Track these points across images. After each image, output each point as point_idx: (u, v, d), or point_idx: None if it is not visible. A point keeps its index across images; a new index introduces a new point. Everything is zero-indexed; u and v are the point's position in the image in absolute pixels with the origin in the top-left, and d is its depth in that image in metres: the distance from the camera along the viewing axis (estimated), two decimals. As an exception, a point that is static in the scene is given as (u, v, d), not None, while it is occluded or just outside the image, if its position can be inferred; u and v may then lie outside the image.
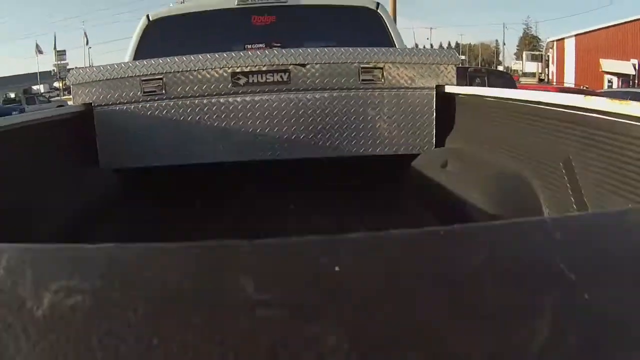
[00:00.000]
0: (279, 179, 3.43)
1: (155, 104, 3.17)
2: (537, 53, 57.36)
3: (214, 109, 3.16)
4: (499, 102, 2.59)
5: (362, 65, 3.12)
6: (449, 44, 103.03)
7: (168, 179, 3.40)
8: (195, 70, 3.11)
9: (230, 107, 3.16)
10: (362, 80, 3.15)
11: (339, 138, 3.20)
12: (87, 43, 46.61)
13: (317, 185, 3.37)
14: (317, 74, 3.14)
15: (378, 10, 4.02)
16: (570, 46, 36.10)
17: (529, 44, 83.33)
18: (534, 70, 49.30)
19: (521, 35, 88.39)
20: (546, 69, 49.43)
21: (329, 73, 3.14)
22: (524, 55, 60.11)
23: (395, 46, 3.84)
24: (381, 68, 3.12)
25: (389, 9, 19.22)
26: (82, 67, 3.74)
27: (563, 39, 36.45)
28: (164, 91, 3.14)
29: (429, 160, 2.99)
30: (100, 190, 2.91)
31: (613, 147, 1.61)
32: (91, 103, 3.16)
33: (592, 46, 33.24)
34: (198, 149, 3.20)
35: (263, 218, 2.76)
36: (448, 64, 3.17)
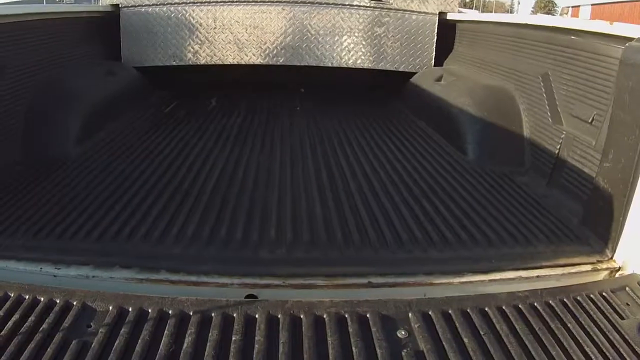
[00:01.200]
0: (289, 83, 3.78)
1: (179, 8, 3.43)
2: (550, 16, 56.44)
3: (233, 14, 3.44)
4: (490, 26, 2.90)
5: None
6: None
7: (185, 78, 3.72)
8: None
9: (249, 13, 3.44)
10: (371, 0, 3.42)
11: (345, 50, 3.51)
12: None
13: (323, 91, 3.74)
14: None
15: None
16: (585, 14, 35.52)
17: (545, 7, 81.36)
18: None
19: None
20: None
21: None
22: (537, 16, 58.95)
23: None
24: None
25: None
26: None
27: (579, 6, 35.87)
28: None
29: (425, 76, 3.30)
30: (123, 83, 3.19)
31: (584, 62, 1.93)
32: (118, 4, 3.44)
33: (607, 18, 32.87)
34: (215, 52, 3.49)
35: (270, 120, 3.07)
36: None
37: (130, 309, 1.16)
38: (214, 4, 3.42)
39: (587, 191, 1.73)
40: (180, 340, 1.07)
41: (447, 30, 3.47)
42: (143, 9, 3.44)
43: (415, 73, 3.47)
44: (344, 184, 2.02)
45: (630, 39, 1.57)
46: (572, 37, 2.03)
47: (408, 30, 3.48)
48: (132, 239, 1.53)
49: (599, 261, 1.50)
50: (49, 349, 1.03)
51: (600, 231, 1.58)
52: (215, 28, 3.44)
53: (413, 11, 3.46)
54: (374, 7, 3.44)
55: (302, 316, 1.15)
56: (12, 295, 1.19)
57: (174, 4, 3.42)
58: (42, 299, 1.18)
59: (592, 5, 33.71)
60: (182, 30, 3.47)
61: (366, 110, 3.31)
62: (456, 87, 2.80)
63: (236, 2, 3.40)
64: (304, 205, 1.81)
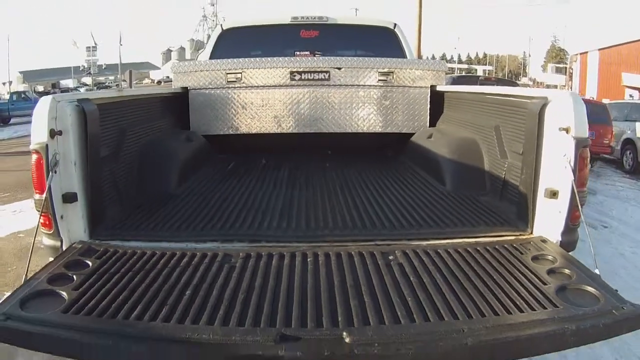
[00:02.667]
0: (319, 146, 4.89)
1: (235, 90, 4.61)
2: (561, 65, 57.98)
3: (276, 95, 4.60)
4: (465, 94, 4.00)
5: (379, 70, 4.55)
6: (477, 54, 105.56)
7: (240, 143, 4.85)
8: (265, 68, 4.54)
9: (288, 95, 4.60)
10: (379, 80, 4.57)
11: (361, 119, 4.64)
12: (120, 41, 48.15)
13: (345, 150, 4.83)
14: (348, 75, 4.57)
15: (395, 30, 5.40)
16: (593, 59, 36.38)
17: (556, 56, 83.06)
18: (557, 83, 50.02)
19: (548, 47, 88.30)
20: (570, 82, 49.89)
21: (356, 74, 4.57)
22: (548, 68, 60.96)
23: (405, 56, 5.21)
24: (392, 72, 4.55)
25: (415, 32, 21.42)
26: (182, 61, 5.16)
27: (586, 52, 36.96)
28: (242, 81, 4.57)
29: (421, 135, 4.38)
30: (197, 146, 4.32)
31: (516, 115, 2.93)
32: (187, 87, 4.64)
33: (615, 60, 33.53)
34: (263, 124, 4.63)
35: (308, 171, 4.14)
36: (439, 71, 4.61)
37: (251, 254, 2.25)
38: (261, 87, 4.57)
39: (517, 197, 2.73)
40: (281, 263, 2.19)
41: (437, 98, 4.56)
42: (207, 91, 4.61)
43: (414, 133, 4.54)
44: (361, 203, 3.11)
45: (532, 97, 2.61)
46: (509, 98, 3.09)
47: (408, 101, 4.59)
48: (240, 229, 2.65)
49: (521, 234, 2.51)
50: (212, 269, 2.12)
51: (523, 218, 2.58)
52: (262, 106, 4.59)
53: (411, 86, 4.59)
54: (381, 85, 4.57)
55: (341, 253, 2.26)
56: (177, 254, 2.30)
57: (230, 88, 4.59)
58: (197, 254, 2.27)
59: (599, 50, 34.63)
60: (236, 107, 4.60)
61: (378, 164, 4.38)
62: (440, 141, 3.85)
63: (278, 86, 4.56)
64: (338, 213, 2.94)
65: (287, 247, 2.39)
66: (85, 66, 46.72)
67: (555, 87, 47.10)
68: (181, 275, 2.09)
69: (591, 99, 17.23)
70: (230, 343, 1.65)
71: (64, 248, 2.41)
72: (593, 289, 1.95)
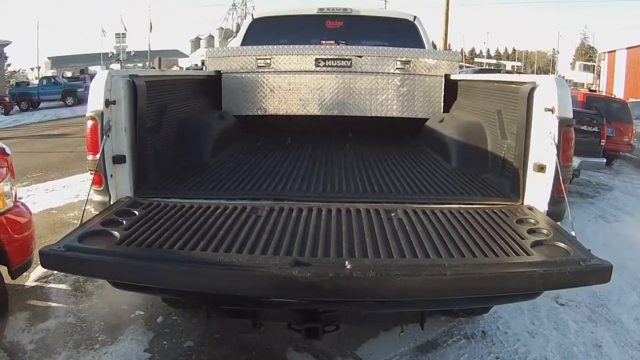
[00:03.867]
0: (341, 128, 5.29)
1: (264, 75, 5.02)
2: (589, 64, 57.08)
3: (302, 80, 5.00)
4: (475, 82, 4.36)
5: (397, 59, 4.92)
6: (506, 49, 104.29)
7: (267, 123, 5.27)
8: (292, 55, 4.94)
9: (313, 80, 5.00)
10: (397, 68, 4.94)
11: (380, 104, 5.02)
12: (150, 29, 48.80)
13: (365, 133, 5.23)
14: (369, 63, 4.95)
15: (414, 22, 5.75)
16: (621, 58, 35.90)
17: (585, 54, 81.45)
18: (585, 81, 49.34)
19: (578, 45, 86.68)
20: (597, 80, 49.16)
21: (377, 62, 4.95)
22: (576, 65, 60.16)
23: (424, 47, 5.55)
24: (410, 61, 4.91)
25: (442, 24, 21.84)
26: (215, 48, 5.59)
27: (615, 50, 36.47)
28: (270, 66, 4.98)
29: (434, 120, 4.74)
30: (229, 124, 4.74)
31: (513, 99, 3.25)
32: (220, 70, 5.06)
33: None
34: (289, 106, 5.04)
35: (329, 150, 4.53)
36: (453, 61, 4.97)
37: (275, 208, 2.67)
38: (288, 72, 4.98)
39: (512, 172, 3.05)
40: (299, 215, 2.59)
41: (451, 86, 4.91)
42: (238, 75, 5.03)
43: (428, 119, 4.90)
44: (374, 175, 3.53)
45: (525, 83, 2.94)
46: (508, 85, 3.41)
47: (424, 89, 4.96)
48: (266, 190, 3.09)
49: (512, 204, 2.86)
50: (241, 217, 2.54)
51: (515, 190, 2.92)
52: (289, 90, 4.99)
53: (427, 75, 4.95)
54: (399, 73, 4.94)
55: (351, 209, 2.67)
56: (211, 207, 2.73)
57: (260, 72, 5.00)
58: (229, 207, 2.71)
59: (627, 48, 34.15)
60: (265, 90, 5.02)
61: (394, 146, 4.75)
62: (449, 125, 4.21)
63: (304, 72, 4.96)
64: (351, 181, 3.36)
65: (305, 204, 2.79)
66: (114, 52, 47.36)
67: (583, 85, 46.48)
68: (215, 221, 2.52)
69: (613, 96, 17.15)
70: (255, 266, 2.05)
71: (112, 203, 2.85)
72: (565, 245, 2.23)
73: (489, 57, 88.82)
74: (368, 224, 2.50)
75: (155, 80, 3.51)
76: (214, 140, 4.01)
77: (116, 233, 2.33)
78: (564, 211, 2.73)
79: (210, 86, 4.95)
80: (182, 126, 3.85)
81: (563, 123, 2.65)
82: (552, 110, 2.67)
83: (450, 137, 3.95)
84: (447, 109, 4.93)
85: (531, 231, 2.44)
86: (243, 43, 5.78)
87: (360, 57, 4.93)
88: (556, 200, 2.70)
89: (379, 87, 5.00)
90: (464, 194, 3.07)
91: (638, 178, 11.58)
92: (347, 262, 2.05)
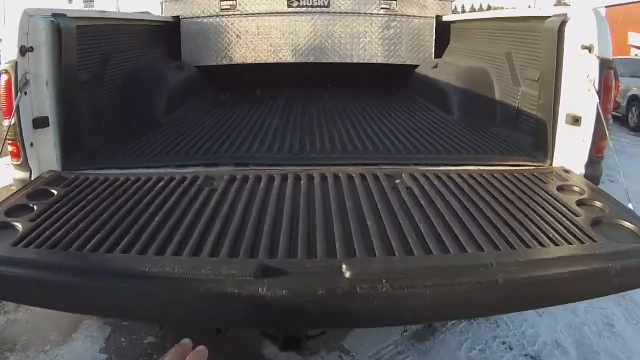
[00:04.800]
0: (318, 77, 4.67)
1: (229, 19, 4.35)
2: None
3: (273, 23, 4.34)
4: (473, 23, 3.78)
5: None
6: (481, 6, 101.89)
7: (234, 74, 4.61)
8: None
9: (285, 23, 4.34)
10: (382, 8, 4.30)
11: (363, 49, 4.40)
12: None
13: (346, 83, 4.64)
14: (349, 2, 4.30)
15: None
16: (599, 17, 35.43)
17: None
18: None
19: (554, 2, 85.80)
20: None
21: (359, 2, 4.30)
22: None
23: None
24: (396, 0, 4.28)
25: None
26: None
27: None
28: (236, 9, 4.30)
29: (426, 66, 4.17)
30: (189, 75, 4.09)
31: (529, 39, 2.74)
32: (179, 16, 4.37)
33: (622, 19, 32.67)
34: (258, 54, 4.39)
35: (306, 102, 3.94)
36: (446, 0, 4.33)
37: (237, 177, 2.06)
38: (256, 15, 4.31)
39: (534, 126, 2.52)
40: (270, 187, 1.98)
41: (443, 30, 4.32)
42: (199, 20, 4.36)
43: (418, 66, 4.33)
44: (363, 129, 2.95)
45: (549, 17, 2.39)
46: (520, 23, 2.87)
47: (412, 32, 4.35)
48: (227, 153, 2.47)
49: (540, 166, 2.30)
50: (189, 192, 1.92)
51: (541, 148, 2.37)
52: (258, 34, 4.34)
53: (416, 16, 4.34)
54: (384, 14, 4.31)
55: (340, 175, 2.08)
56: (152, 179, 2.08)
57: (224, 16, 4.33)
58: (175, 178, 2.07)
59: (607, 7, 33.80)
60: (231, 37, 4.37)
61: (380, 96, 4.18)
62: (446, 70, 3.66)
63: (275, 14, 4.30)
64: (337, 138, 2.79)
65: (277, 170, 2.15)
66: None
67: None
68: (152, 201, 1.84)
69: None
70: (198, 278, 1.33)
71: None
72: (631, 225, 1.65)
73: (464, 12, 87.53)
74: (367, 198, 1.85)
75: (92, 24, 2.83)
76: (168, 95, 3.39)
77: (19, 226, 1.66)
78: (601, 175, 2.22)
79: (168, 34, 4.28)
80: (130, 79, 3.21)
81: (604, 65, 2.10)
82: (589, 49, 2.11)
83: (449, 84, 3.40)
84: (438, 55, 4.36)
85: (581, 204, 1.84)
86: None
87: None
88: (594, 160, 2.18)
89: (361, 30, 4.37)
90: (479, 151, 2.49)
91: (625, 137, 11.30)
92: (344, 267, 1.35)
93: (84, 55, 2.60)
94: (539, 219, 1.71)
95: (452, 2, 4.44)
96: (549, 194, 1.93)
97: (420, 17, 4.34)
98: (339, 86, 4.59)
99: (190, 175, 2.10)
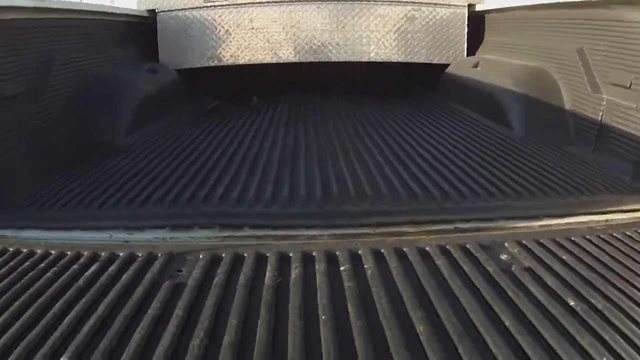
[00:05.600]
0: (326, 80, 3.93)
1: (215, 11, 3.59)
2: None
3: (270, 15, 3.59)
4: (521, 11, 3.01)
5: None
6: None
7: (224, 78, 3.86)
8: None
9: (286, 14, 3.59)
10: None
11: (380, 45, 3.64)
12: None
13: (359, 87, 3.93)
14: None
15: None
16: None
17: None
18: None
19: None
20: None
21: None
22: None
23: None
24: None
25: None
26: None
27: None
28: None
29: (461, 65, 3.41)
30: (166, 81, 3.30)
31: (616, 32, 2.03)
32: (155, 9, 3.60)
33: None
34: (253, 52, 3.64)
35: (315, 114, 3.16)
36: None
37: (223, 255, 1.24)
38: (249, 4, 3.57)
39: (633, 150, 1.85)
40: (286, 274, 1.15)
41: (477, 21, 3.60)
42: (180, 13, 3.61)
43: (448, 65, 3.58)
44: (400, 161, 2.10)
45: None
46: (602, 9, 2.16)
47: (439, 24, 3.60)
48: (207, 203, 1.63)
49: None
50: (137, 290, 1.09)
51: None
52: (252, 29, 3.60)
53: (443, 4, 3.59)
54: (405, 3, 3.57)
55: (405, 249, 1.26)
56: (85, 254, 1.27)
57: (210, 7, 3.57)
58: (120, 254, 1.27)
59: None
60: (218, 32, 3.64)
61: (406, 104, 3.42)
62: (494, 70, 2.91)
63: (272, 2, 3.55)
64: (374, 168, 1.98)
65: (293, 242, 1.35)
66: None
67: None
68: (64, 312, 1.03)
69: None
70: None
71: None
72: None
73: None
74: (475, 298, 1.04)
75: (28, 18, 2.09)
76: (133, 107, 2.62)
77: None
78: None
79: (140, 31, 3.53)
80: (82, 90, 2.43)
81: None
82: None
83: (501, 88, 2.65)
84: (471, 51, 3.62)
85: None
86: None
87: None
88: None
89: (377, 22, 3.62)
90: (581, 190, 1.69)
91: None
92: None
93: (14, 60, 1.94)
94: None
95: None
96: None
97: (450, 5, 3.60)
98: (353, 90, 3.87)
99: (142, 252, 1.28)
